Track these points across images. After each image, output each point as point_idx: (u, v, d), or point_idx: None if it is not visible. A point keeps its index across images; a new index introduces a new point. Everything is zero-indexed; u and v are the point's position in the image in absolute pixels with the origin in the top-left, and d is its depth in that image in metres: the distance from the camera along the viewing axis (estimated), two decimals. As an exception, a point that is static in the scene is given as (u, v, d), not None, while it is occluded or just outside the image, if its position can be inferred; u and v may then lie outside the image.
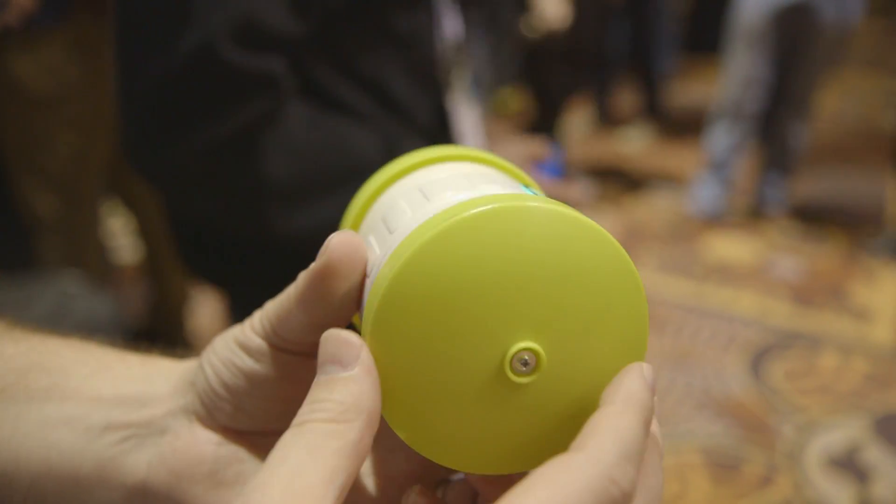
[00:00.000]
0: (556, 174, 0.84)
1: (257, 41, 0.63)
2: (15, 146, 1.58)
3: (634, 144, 3.53)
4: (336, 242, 0.27)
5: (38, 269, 1.64)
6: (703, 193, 2.83)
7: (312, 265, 0.27)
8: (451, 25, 0.83)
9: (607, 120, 3.76)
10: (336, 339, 0.25)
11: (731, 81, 2.66)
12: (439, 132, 0.81)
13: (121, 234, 2.19)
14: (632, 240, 2.68)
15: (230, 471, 0.30)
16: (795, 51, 2.55)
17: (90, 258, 1.76)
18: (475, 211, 0.24)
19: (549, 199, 0.25)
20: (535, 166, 0.82)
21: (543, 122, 2.93)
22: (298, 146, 0.66)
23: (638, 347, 0.26)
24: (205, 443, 0.30)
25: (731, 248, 2.65)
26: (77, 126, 1.59)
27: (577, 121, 3.81)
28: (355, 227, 0.33)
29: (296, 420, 0.24)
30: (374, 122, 0.73)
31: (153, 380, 0.32)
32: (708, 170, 2.82)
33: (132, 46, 0.65)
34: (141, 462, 0.30)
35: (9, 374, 0.32)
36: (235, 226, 0.71)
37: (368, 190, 0.33)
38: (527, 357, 0.24)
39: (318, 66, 0.71)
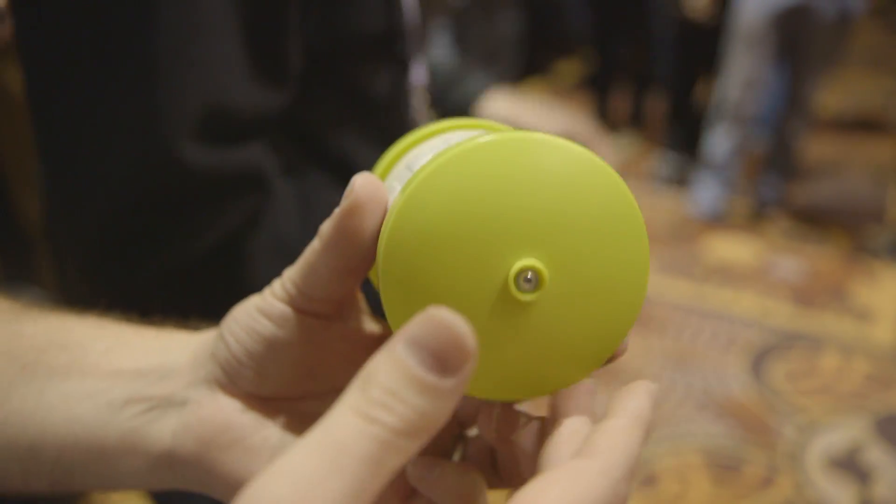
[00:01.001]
0: None
1: (229, 131, 0.50)
2: (11, 158, 1.59)
3: (621, 151, 3.54)
4: (359, 183, 0.28)
5: (41, 282, 1.64)
6: (704, 195, 2.83)
7: (337, 209, 0.28)
8: (417, 73, 0.74)
9: (604, 123, 3.76)
10: (449, 328, 0.20)
11: (731, 83, 2.66)
12: None
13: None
14: (632, 241, 2.67)
15: (257, 436, 0.31)
16: (795, 51, 2.55)
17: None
18: (479, 141, 0.25)
19: (550, 135, 0.26)
20: None
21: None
22: (291, 237, 0.54)
23: (639, 268, 0.27)
24: (229, 410, 0.31)
25: (732, 249, 2.65)
26: None
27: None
28: (382, 177, 0.34)
29: (362, 406, 0.20)
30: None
31: (171, 352, 0.33)
32: (708, 171, 2.82)
33: (65, 159, 0.49)
34: (165, 431, 0.31)
35: (29, 352, 0.33)
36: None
37: (397, 147, 0.34)
38: (529, 274, 0.25)
39: (286, 151, 0.60)
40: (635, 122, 3.67)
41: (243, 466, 0.30)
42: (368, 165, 0.60)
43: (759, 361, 2.04)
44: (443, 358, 0.20)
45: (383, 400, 0.20)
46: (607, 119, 3.74)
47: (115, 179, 0.48)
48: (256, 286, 0.55)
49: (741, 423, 1.81)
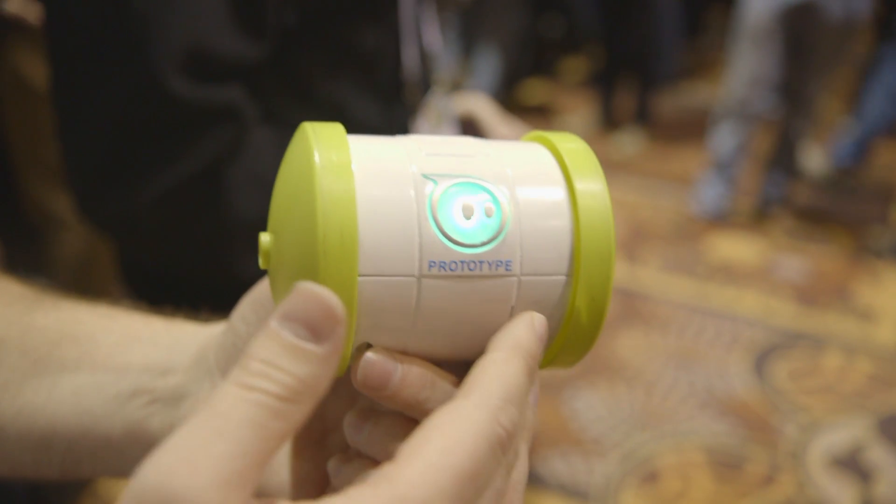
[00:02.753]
0: None
1: (209, 71, 0.57)
2: (22, 143, 1.59)
3: (626, 150, 3.53)
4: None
5: (51, 269, 1.65)
6: (708, 193, 2.83)
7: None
8: (429, 35, 0.80)
9: (609, 122, 3.75)
10: (317, 299, 0.21)
11: (737, 80, 2.66)
12: None
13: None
14: (636, 240, 2.68)
15: None
16: (802, 49, 2.55)
17: (102, 253, 1.77)
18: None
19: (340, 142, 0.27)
20: None
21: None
22: (268, 176, 0.60)
23: (310, 240, 0.26)
24: None
25: (735, 248, 2.65)
26: None
27: (579, 121, 3.81)
28: None
29: (242, 378, 0.21)
30: None
31: (177, 347, 0.34)
32: (713, 169, 2.82)
33: (70, 91, 0.58)
34: (166, 424, 0.32)
35: (42, 346, 0.34)
36: (196, 271, 0.65)
37: None
38: (265, 248, 0.28)
39: (276, 94, 0.66)
40: (640, 119, 3.67)
41: None
42: (361, 115, 0.68)
43: (761, 360, 2.04)
44: (314, 325, 0.21)
45: (261, 370, 0.21)
46: (612, 117, 3.74)
47: (112, 107, 0.56)
48: (236, 216, 0.59)
49: (743, 421, 1.81)
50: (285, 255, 0.27)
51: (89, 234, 1.70)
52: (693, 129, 3.68)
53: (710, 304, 2.30)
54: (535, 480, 1.63)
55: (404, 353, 0.27)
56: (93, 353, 0.34)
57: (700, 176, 2.94)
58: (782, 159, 2.80)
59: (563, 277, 0.27)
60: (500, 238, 0.26)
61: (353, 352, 0.27)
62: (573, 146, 0.30)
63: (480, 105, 0.88)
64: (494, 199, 0.27)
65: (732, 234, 2.74)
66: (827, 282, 2.44)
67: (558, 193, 0.28)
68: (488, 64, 3.74)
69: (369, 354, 0.26)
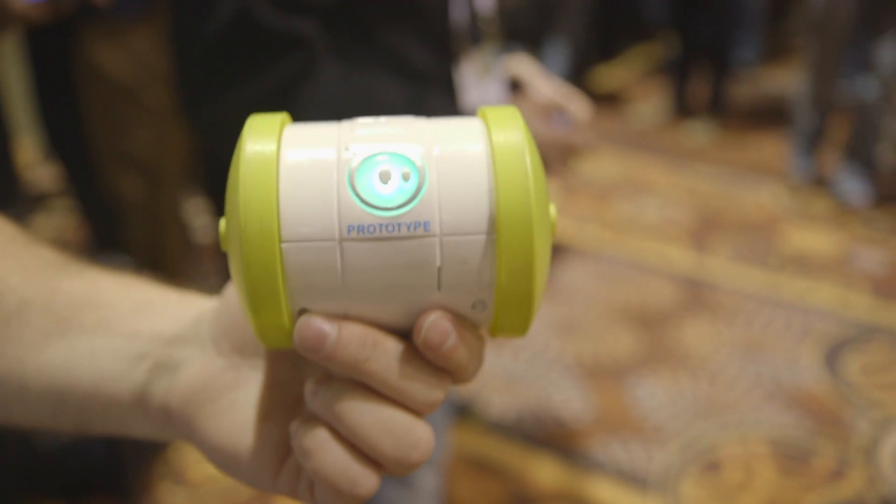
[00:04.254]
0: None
1: (290, 5, 0.69)
2: (99, 132, 1.66)
3: (698, 138, 3.45)
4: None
5: (128, 250, 1.73)
6: (798, 162, 2.79)
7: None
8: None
9: (681, 110, 3.67)
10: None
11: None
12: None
13: (200, 214, 2.28)
14: (706, 229, 2.62)
15: (226, 398, 0.33)
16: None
17: (172, 237, 1.84)
18: None
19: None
20: (554, 116, 0.90)
21: None
22: (330, 99, 0.71)
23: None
24: (212, 370, 0.34)
25: (811, 238, 2.57)
26: (157, 111, 1.66)
27: (651, 109, 3.74)
28: None
29: None
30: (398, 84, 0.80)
31: (185, 316, 0.36)
32: (798, 139, 2.78)
33: (183, 14, 0.74)
34: (162, 388, 0.34)
35: (65, 309, 0.36)
36: None
37: None
38: (221, 232, 0.30)
39: (343, 34, 0.76)
40: (715, 108, 3.58)
41: (213, 425, 0.33)
42: (415, 60, 0.78)
43: (833, 353, 1.97)
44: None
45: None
46: (685, 105, 3.66)
47: (214, 30, 0.69)
48: None
49: (812, 414, 1.76)
50: (231, 235, 0.28)
51: (158, 219, 1.78)
52: (770, 117, 3.57)
53: (782, 294, 2.24)
54: (593, 466, 1.62)
55: (345, 319, 0.29)
56: (109, 318, 0.36)
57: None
58: (862, 147, 2.70)
59: (483, 236, 0.27)
60: (417, 200, 0.27)
61: (296, 316, 0.29)
62: (501, 111, 0.30)
63: (523, 65, 0.95)
64: (412, 165, 0.28)
65: (808, 224, 2.66)
66: (908, 274, 2.34)
67: (476, 152, 0.28)
68: (558, 51, 3.71)
69: (305, 316, 0.28)
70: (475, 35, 0.88)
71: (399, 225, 0.27)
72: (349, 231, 0.27)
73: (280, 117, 0.30)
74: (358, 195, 0.27)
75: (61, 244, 0.46)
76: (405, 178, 0.27)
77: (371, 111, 0.72)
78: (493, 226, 0.27)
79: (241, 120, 0.70)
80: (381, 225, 0.27)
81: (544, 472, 1.63)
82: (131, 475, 1.53)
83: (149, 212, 1.75)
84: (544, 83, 0.93)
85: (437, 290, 0.28)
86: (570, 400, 1.82)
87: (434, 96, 0.79)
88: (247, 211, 0.27)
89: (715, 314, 2.14)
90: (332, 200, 0.27)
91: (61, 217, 2.55)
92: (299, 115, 0.69)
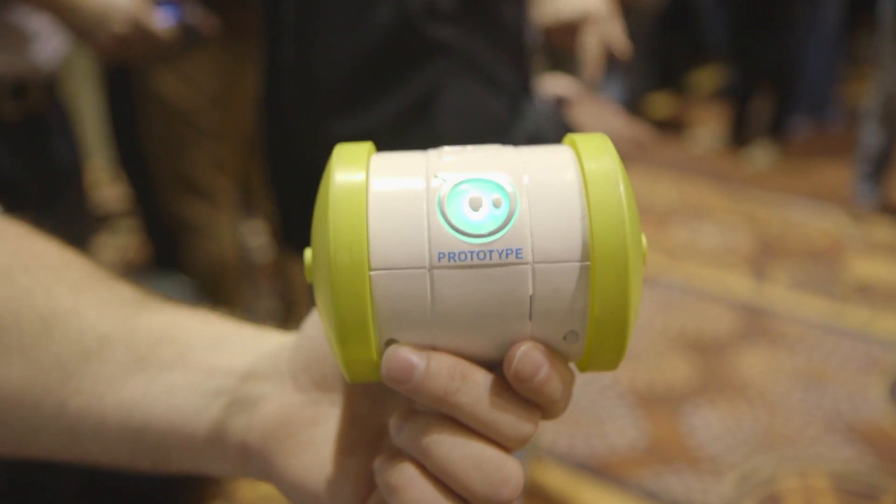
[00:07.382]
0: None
1: (436, 13, 0.72)
2: (158, 153, 1.71)
3: (757, 164, 3.38)
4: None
5: (187, 271, 1.77)
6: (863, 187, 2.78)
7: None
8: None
9: (740, 136, 3.61)
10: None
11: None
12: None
13: (256, 236, 2.33)
14: (764, 256, 2.57)
15: (306, 434, 0.33)
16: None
17: (229, 258, 1.89)
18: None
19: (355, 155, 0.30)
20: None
21: None
22: (460, 108, 0.74)
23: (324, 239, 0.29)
24: (290, 406, 0.33)
25: (876, 266, 2.49)
26: (212, 134, 1.71)
27: (710, 134, 3.70)
28: None
29: None
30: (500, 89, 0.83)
31: (261, 351, 0.36)
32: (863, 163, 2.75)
33: (316, 36, 0.74)
34: (241, 425, 0.34)
35: (143, 345, 0.36)
36: None
37: None
38: (307, 263, 0.30)
39: (473, 44, 0.79)
40: (774, 134, 3.51)
41: (293, 461, 0.33)
42: (504, 79, 0.81)
43: (900, 386, 1.90)
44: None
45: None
46: (744, 131, 3.60)
47: (364, 41, 0.70)
48: (444, 139, 0.71)
49: (876, 449, 1.70)
50: (318, 265, 0.29)
51: (215, 240, 1.82)
52: (832, 142, 3.49)
53: (845, 324, 2.18)
54: (646, 496, 1.59)
55: (433, 350, 0.28)
56: (187, 354, 0.36)
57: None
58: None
59: (576, 264, 0.27)
60: (509, 227, 0.27)
61: (382, 348, 0.28)
62: (591, 138, 0.29)
63: (565, 85, 0.97)
64: (503, 191, 0.27)
65: (872, 252, 2.58)
66: (980, 306, 2.25)
67: (567, 178, 0.28)
68: (616, 77, 3.70)
69: (393, 346, 0.28)
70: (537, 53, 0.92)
71: (490, 252, 0.27)
72: (440, 258, 0.27)
73: (366, 147, 0.30)
74: (448, 222, 0.27)
75: (122, 264, 0.47)
76: (496, 204, 0.27)
77: (485, 120, 0.75)
78: (587, 254, 0.27)
79: (390, 130, 0.73)
80: (472, 252, 0.27)
81: (596, 501, 1.60)
82: (183, 494, 1.55)
83: (206, 233, 1.80)
84: (587, 100, 0.94)
85: (528, 319, 0.27)
86: (623, 428, 1.80)
87: (526, 106, 0.80)
88: (336, 239, 0.27)
89: (774, 343, 2.09)
90: (423, 228, 0.27)
91: (125, 236, 2.63)
92: (437, 123, 0.73)
